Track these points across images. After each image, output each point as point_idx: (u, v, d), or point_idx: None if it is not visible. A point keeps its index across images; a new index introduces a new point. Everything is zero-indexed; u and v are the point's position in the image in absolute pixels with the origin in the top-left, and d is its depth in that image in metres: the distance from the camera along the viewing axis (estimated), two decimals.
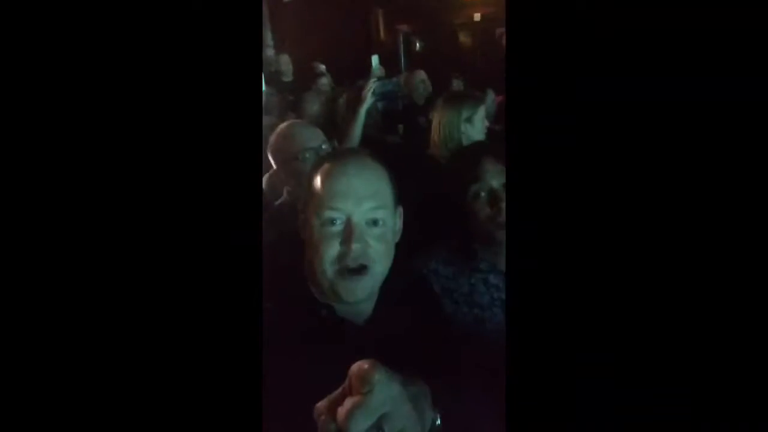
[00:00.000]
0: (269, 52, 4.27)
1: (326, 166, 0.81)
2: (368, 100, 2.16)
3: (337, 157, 0.86)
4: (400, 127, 2.68)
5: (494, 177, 1.07)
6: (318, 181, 0.80)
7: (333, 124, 2.53)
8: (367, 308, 0.84)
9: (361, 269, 0.76)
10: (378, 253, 0.78)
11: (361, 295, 0.78)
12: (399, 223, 0.85)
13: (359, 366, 0.43)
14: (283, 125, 1.68)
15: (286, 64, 3.82)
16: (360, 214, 0.76)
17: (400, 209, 0.85)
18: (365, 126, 2.20)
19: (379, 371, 0.42)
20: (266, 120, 2.10)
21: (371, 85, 2.20)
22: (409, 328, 0.82)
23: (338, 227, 0.76)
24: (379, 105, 2.31)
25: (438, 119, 1.91)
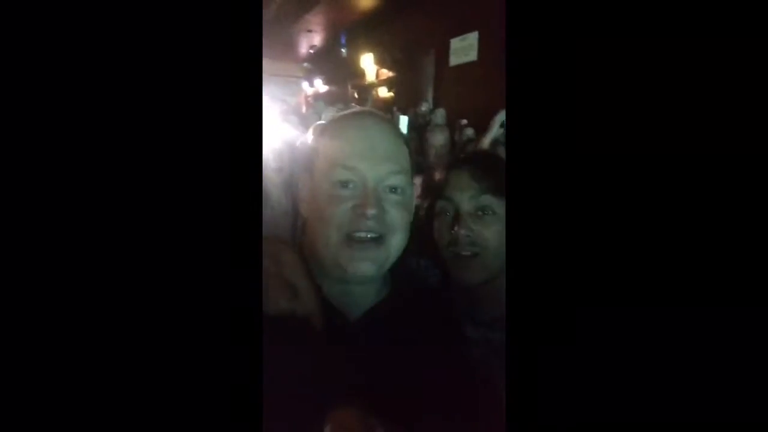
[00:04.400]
0: (424, 104, 4.65)
1: (339, 123, 0.70)
2: (495, 130, 2.22)
3: (351, 115, 0.74)
4: None
5: (464, 196, 0.92)
6: (328, 138, 0.68)
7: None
8: (367, 296, 0.71)
9: (375, 240, 0.65)
10: (396, 222, 0.66)
11: (369, 270, 0.65)
12: (414, 200, 0.74)
13: (340, 420, 0.37)
14: None
15: (442, 117, 4.10)
16: (378, 177, 0.65)
17: (416, 183, 0.75)
18: None
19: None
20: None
21: (500, 117, 2.24)
22: (408, 336, 0.69)
23: (351, 191, 0.65)
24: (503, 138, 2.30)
25: None
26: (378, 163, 0.65)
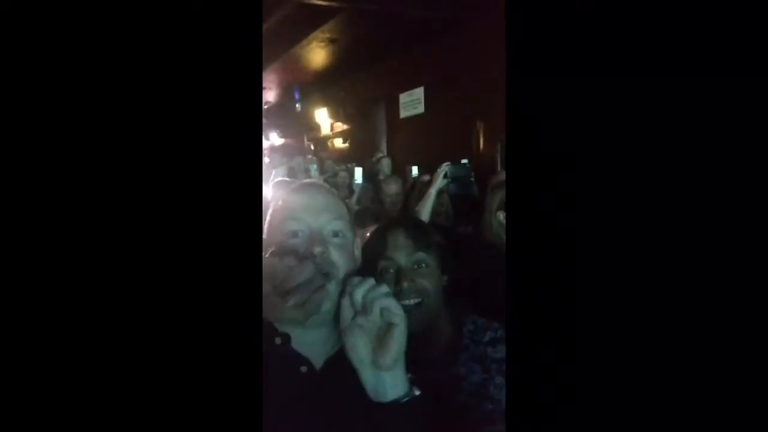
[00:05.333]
0: (378, 155, 4.88)
1: (283, 191, 0.86)
2: (439, 181, 2.29)
3: (298, 185, 0.90)
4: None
5: (402, 254, 1.07)
6: (278, 202, 0.83)
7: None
8: (328, 343, 0.78)
9: (322, 278, 0.73)
10: (340, 261, 0.76)
11: (316, 308, 0.71)
12: (358, 253, 0.86)
13: None
14: None
15: (387, 166, 4.27)
16: (321, 223, 0.77)
17: (358, 242, 0.87)
18: (435, 214, 2.27)
19: None
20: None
21: (444, 168, 2.34)
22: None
23: (301, 239, 0.76)
24: (452, 188, 2.39)
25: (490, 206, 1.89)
26: (320, 213, 0.78)
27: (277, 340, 0.75)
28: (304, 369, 0.75)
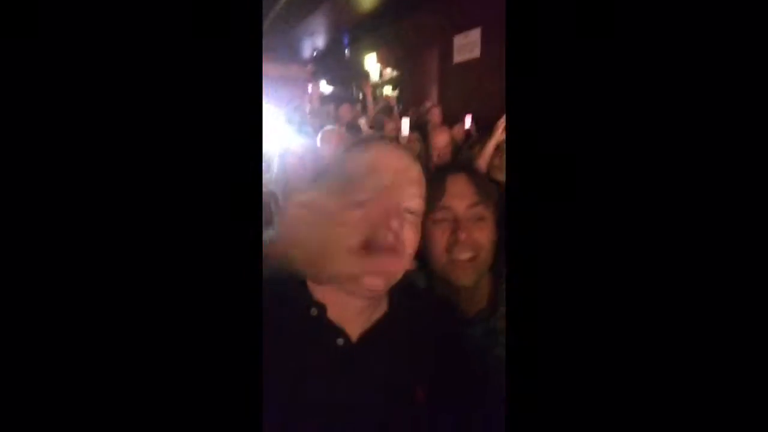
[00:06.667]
0: (427, 104, 4.54)
1: (343, 146, 0.76)
2: (498, 135, 2.12)
3: (363, 144, 0.77)
4: None
5: (462, 204, 0.99)
6: (352, 162, 0.72)
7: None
8: (363, 315, 0.72)
9: (391, 248, 0.66)
10: (409, 242, 0.69)
11: (380, 285, 0.67)
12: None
13: None
14: None
15: (437, 116, 4.01)
16: (395, 196, 0.68)
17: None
18: (491, 167, 2.11)
19: None
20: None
21: (503, 122, 2.14)
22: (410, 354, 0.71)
23: (368, 211, 0.66)
24: None
25: None
26: (396, 183, 0.68)
27: (313, 311, 0.69)
28: (340, 341, 0.69)
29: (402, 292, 0.78)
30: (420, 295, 0.91)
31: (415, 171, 0.73)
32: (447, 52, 5.10)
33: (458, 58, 4.97)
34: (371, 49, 6.66)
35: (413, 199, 0.70)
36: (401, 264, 0.69)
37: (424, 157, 2.98)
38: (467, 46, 4.86)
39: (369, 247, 0.64)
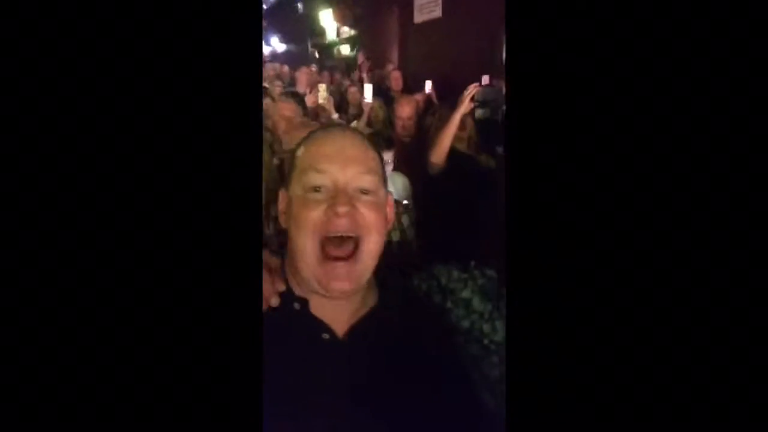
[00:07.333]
0: (389, 67, 4.32)
1: (311, 137, 0.74)
2: (465, 106, 1.98)
3: (322, 129, 0.79)
4: (499, 149, 2.17)
5: None
6: (302, 150, 0.72)
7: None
8: (351, 311, 0.71)
9: (349, 245, 0.66)
10: (369, 222, 0.67)
11: (345, 287, 0.66)
12: (391, 213, 0.75)
13: None
14: None
15: (398, 80, 3.90)
16: (347, 178, 0.67)
17: (392, 199, 0.75)
18: (457, 139, 1.99)
19: None
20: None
21: (471, 90, 2.00)
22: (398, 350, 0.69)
23: (323, 194, 0.66)
24: (478, 112, 2.06)
25: None
26: (346, 165, 0.67)
27: (296, 306, 0.69)
28: (325, 336, 0.68)
29: (391, 287, 0.77)
30: (409, 288, 0.88)
31: (367, 149, 0.72)
32: (408, 11, 4.87)
33: (419, 17, 4.76)
34: (327, 5, 6.30)
35: (363, 176, 0.68)
36: (362, 264, 0.67)
37: (387, 125, 2.85)
38: (428, 5, 4.65)
39: (329, 243, 0.66)
